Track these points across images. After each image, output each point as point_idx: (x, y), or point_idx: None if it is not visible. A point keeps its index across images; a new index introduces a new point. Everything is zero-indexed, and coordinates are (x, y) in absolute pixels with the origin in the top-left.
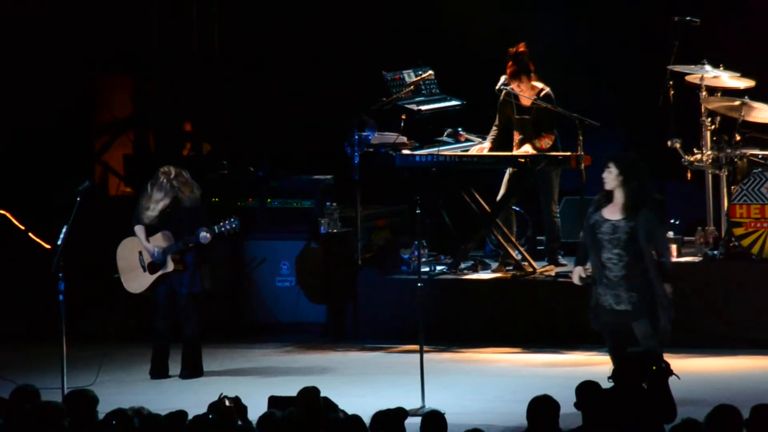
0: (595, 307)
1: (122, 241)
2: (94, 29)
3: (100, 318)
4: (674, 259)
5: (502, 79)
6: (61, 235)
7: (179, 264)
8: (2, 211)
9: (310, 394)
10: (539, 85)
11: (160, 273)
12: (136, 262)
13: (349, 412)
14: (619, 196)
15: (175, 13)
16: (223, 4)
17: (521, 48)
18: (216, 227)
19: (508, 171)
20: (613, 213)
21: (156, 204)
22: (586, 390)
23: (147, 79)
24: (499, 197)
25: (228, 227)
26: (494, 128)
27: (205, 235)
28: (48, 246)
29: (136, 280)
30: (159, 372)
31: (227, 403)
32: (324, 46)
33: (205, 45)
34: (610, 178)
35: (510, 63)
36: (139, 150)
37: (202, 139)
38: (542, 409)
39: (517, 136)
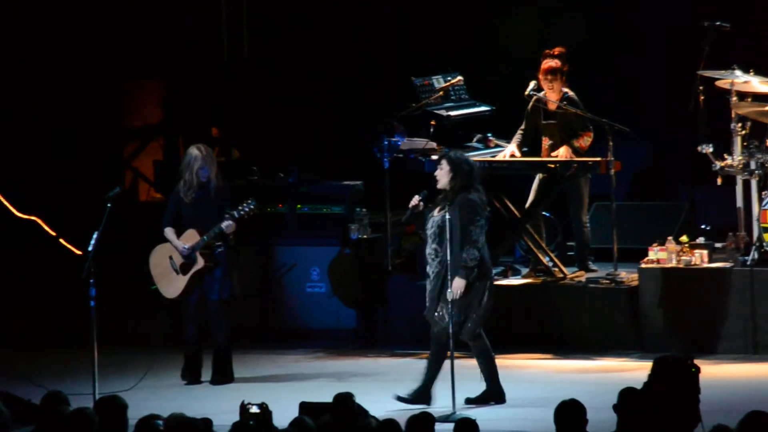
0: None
1: (152, 251)
2: (124, 36)
3: (131, 324)
4: (705, 265)
5: (532, 84)
6: (92, 241)
7: (210, 260)
8: (33, 217)
9: (344, 399)
10: (565, 89)
11: (192, 271)
12: (168, 268)
13: (380, 418)
14: (449, 192)
15: (205, 19)
16: (252, 10)
17: (556, 50)
18: (235, 212)
19: (538, 176)
20: (438, 209)
21: (194, 172)
22: (629, 396)
23: (177, 85)
24: (528, 203)
25: (246, 209)
26: (519, 132)
27: (228, 224)
28: (79, 252)
29: (172, 285)
30: (191, 378)
31: (251, 409)
32: (353, 52)
33: (234, 51)
34: (442, 174)
35: (547, 60)
36: (169, 156)
37: (232, 145)
38: (569, 413)
39: (546, 142)
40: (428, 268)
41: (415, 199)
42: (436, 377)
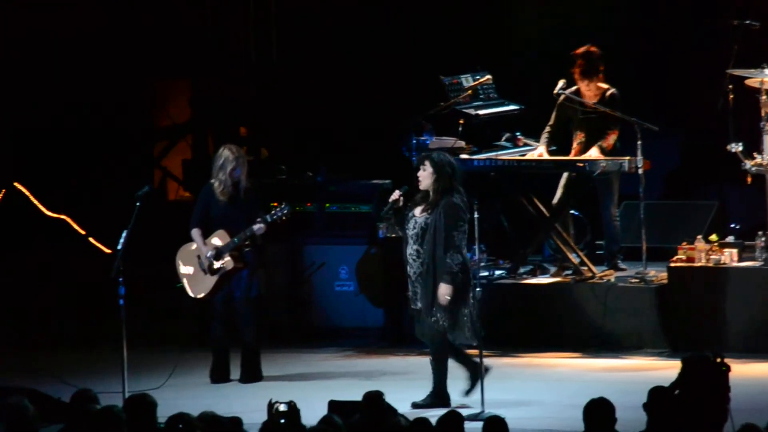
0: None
1: (180, 248)
2: (153, 35)
3: (160, 322)
4: (735, 264)
5: (561, 83)
6: (121, 240)
7: (238, 261)
8: (63, 216)
9: (374, 398)
10: (605, 85)
11: (220, 272)
12: (196, 267)
13: (409, 417)
14: (431, 194)
15: (233, 18)
16: (281, 9)
17: (592, 48)
18: (268, 216)
19: (565, 174)
20: (420, 210)
21: (227, 173)
22: (659, 395)
23: (205, 84)
24: (555, 200)
25: (279, 214)
26: (547, 132)
27: (260, 227)
28: (108, 250)
29: (199, 285)
30: (219, 376)
31: (278, 408)
32: (382, 51)
33: (262, 49)
34: (425, 175)
35: (580, 62)
36: (198, 155)
37: (260, 145)
38: (598, 412)
39: (579, 137)
40: (408, 269)
41: (396, 194)
42: (446, 377)
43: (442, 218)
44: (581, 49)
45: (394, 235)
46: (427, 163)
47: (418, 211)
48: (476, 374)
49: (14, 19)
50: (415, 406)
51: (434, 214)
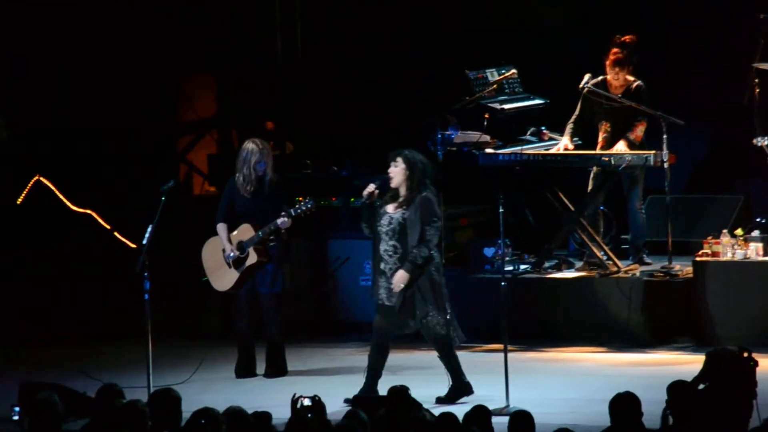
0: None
1: (206, 242)
2: (179, 30)
3: (185, 317)
4: (760, 258)
5: (586, 77)
6: (146, 235)
7: (262, 255)
8: (88, 211)
9: (399, 393)
10: (631, 78)
11: (245, 266)
12: (220, 260)
13: (435, 411)
14: (402, 191)
15: (258, 12)
16: (306, 4)
17: (630, 38)
18: (293, 210)
19: (593, 169)
20: (394, 206)
21: (251, 166)
22: (679, 390)
23: (230, 79)
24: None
25: (304, 208)
26: (571, 125)
27: (284, 221)
28: (133, 245)
29: (224, 278)
30: (245, 371)
31: (303, 402)
32: (407, 45)
33: (287, 44)
34: (397, 172)
35: (616, 50)
36: (223, 149)
37: (286, 139)
38: (624, 406)
39: (605, 126)
40: (383, 265)
41: (371, 187)
42: (461, 369)
43: (418, 213)
44: (618, 38)
45: None
46: (399, 159)
47: (391, 207)
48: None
49: (40, 14)
50: (439, 401)
51: (410, 209)
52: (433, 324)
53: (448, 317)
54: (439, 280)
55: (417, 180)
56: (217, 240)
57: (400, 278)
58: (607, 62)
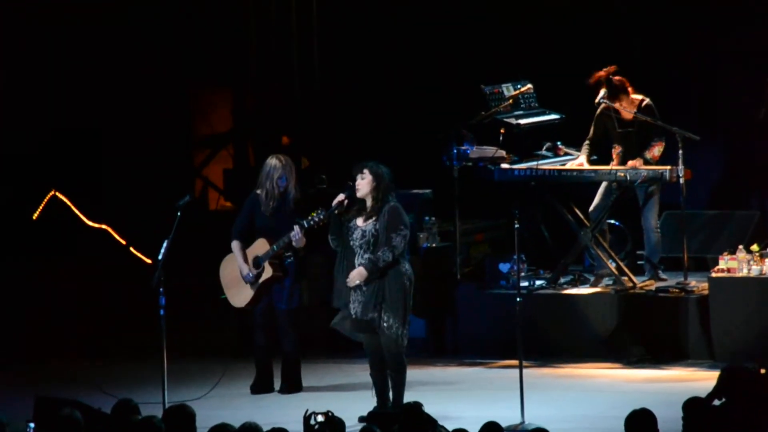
0: (346, 317)
1: (223, 260)
2: (194, 45)
3: (201, 333)
4: None
5: (602, 92)
6: (162, 250)
7: (278, 269)
8: (104, 226)
9: (413, 409)
10: (638, 96)
11: (261, 281)
12: (237, 276)
13: (449, 427)
14: (369, 202)
15: (275, 28)
16: (323, 19)
17: (611, 69)
18: (305, 221)
19: (605, 184)
20: (363, 219)
21: (273, 182)
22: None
23: (246, 94)
24: (591, 207)
25: (316, 219)
26: (587, 143)
27: (296, 232)
28: (149, 260)
29: (240, 294)
30: (260, 387)
31: (317, 418)
32: (423, 60)
33: (304, 60)
34: (364, 183)
35: (604, 87)
36: (239, 164)
37: (301, 154)
38: (640, 422)
39: (617, 149)
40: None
41: (341, 197)
42: (403, 391)
43: (386, 222)
44: (601, 73)
45: (434, 245)
46: (365, 171)
47: (360, 221)
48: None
49: (56, 29)
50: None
51: (380, 220)
52: (394, 335)
53: (406, 330)
54: (409, 293)
55: (383, 191)
56: (233, 257)
57: (357, 274)
58: (604, 98)
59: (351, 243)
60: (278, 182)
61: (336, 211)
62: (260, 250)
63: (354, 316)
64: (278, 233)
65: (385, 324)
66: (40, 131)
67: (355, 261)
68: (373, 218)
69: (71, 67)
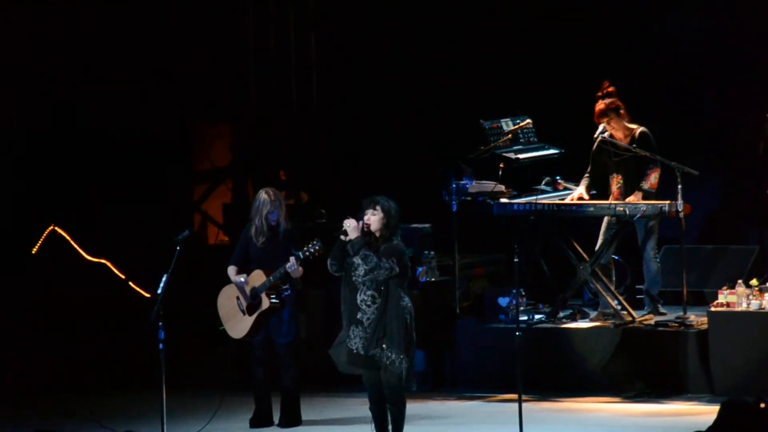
0: (344, 350)
1: (221, 292)
2: (194, 79)
3: (199, 366)
4: None
5: (601, 127)
6: (161, 284)
7: (275, 301)
8: (102, 260)
9: None
10: (633, 126)
11: (258, 312)
12: (235, 308)
13: None
14: (375, 238)
15: (274, 63)
16: (321, 53)
17: (607, 88)
18: (300, 253)
19: (606, 219)
20: (368, 255)
21: (263, 216)
22: None
23: (246, 128)
24: (598, 245)
25: (312, 249)
26: (586, 176)
27: (292, 263)
28: (148, 295)
29: (238, 326)
30: (260, 421)
31: None
32: (421, 95)
33: (302, 94)
34: (375, 219)
35: (597, 103)
36: (238, 199)
37: (300, 188)
38: None
39: (617, 179)
40: (359, 314)
41: (355, 223)
42: (403, 424)
43: (382, 251)
44: (599, 93)
45: (434, 279)
46: (378, 207)
47: (365, 256)
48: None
49: (54, 59)
50: None
51: (379, 256)
52: (397, 371)
53: (408, 365)
54: (411, 327)
55: (392, 229)
56: (231, 288)
57: (351, 224)
58: (595, 118)
59: (354, 279)
60: (269, 216)
61: (345, 237)
62: (257, 282)
63: (355, 352)
64: (272, 264)
65: (387, 361)
66: (37, 162)
67: (357, 297)
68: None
69: (69, 99)
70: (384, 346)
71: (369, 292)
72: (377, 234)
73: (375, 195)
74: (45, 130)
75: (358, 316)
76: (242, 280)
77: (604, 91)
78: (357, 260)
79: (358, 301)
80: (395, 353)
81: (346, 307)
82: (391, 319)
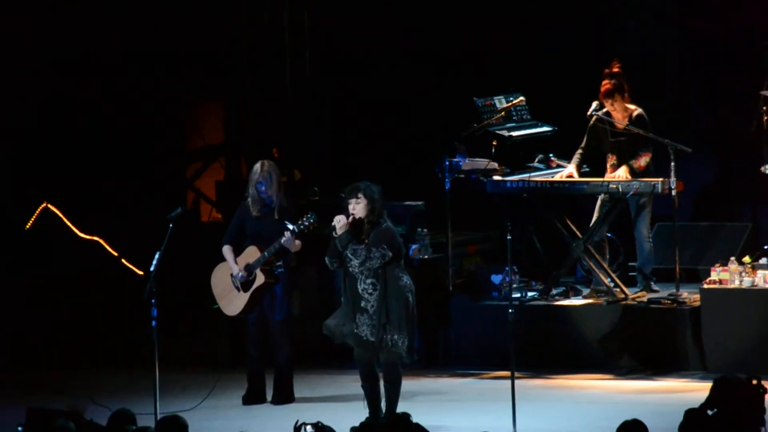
0: (348, 333)
1: (214, 269)
2: (187, 57)
3: (192, 344)
4: None
5: (594, 104)
6: (154, 262)
7: (270, 276)
8: (95, 238)
9: (402, 420)
10: (632, 106)
11: (252, 289)
12: (229, 285)
13: None
14: (364, 225)
15: (267, 40)
16: (315, 31)
17: (615, 67)
18: (294, 226)
19: (601, 197)
20: (361, 244)
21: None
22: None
23: (239, 106)
24: (592, 223)
25: (306, 223)
26: (579, 153)
27: (288, 239)
28: (141, 272)
29: (233, 303)
30: (253, 398)
31: (307, 429)
32: (415, 73)
33: (296, 72)
34: (360, 207)
35: (605, 82)
36: (231, 177)
37: (293, 166)
38: None
39: (612, 159)
40: (363, 303)
41: (344, 219)
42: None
43: (372, 239)
44: (606, 70)
45: (427, 257)
46: (360, 195)
47: (357, 245)
48: (379, 407)
49: (49, 40)
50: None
51: (370, 239)
52: (398, 352)
53: (409, 340)
54: (413, 305)
55: (377, 213)
56: (224, 266)
57: (342, 223)
58: (600, 96)
59: (351, 270)
60: (257, 186)
61: (336, 234)
62: (251, 258)
63: (365, 339)
64: (267, 240)
65: (391, 343)
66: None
67: (358, 286)
68: (366, 241)
69: (63, 78)
70: (387, 329)
71: (369, 281)
72: (365, 220)
73: (354, 183)
74: (39, 110)
75: (362, 305)
76: (241, 275)
77: (612, 70)
78: (348, 254)
79: (360, 290)
80: (398, 335)
81: (347, 297)
82: (391, 303)
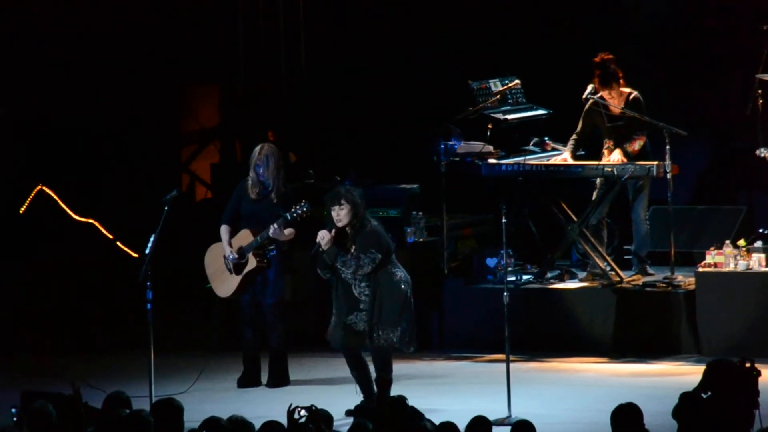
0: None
1: (208, 250)
2: (183, 40)
3: (187, 326)
4: (762, 269)
5: (589, 87)
6: (149, 244)
7: (262, 260)
8: (90, 220)
9: (398, 402)
10: (627, 89)
11: (245, 272)
12: (222, 266)
13: (436, 421)
14: (348, 230)
15: (262, 23)
16: (310, 15)
17: (607, 56)
18: (287, 214)
19: (599, 180)
20: (347, 253)
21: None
22: (689, 400)
23: (234, 89)
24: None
25: (299, 211)
26: (574, 136)
27: (276, 229)
28: (136, 255)
29: (225, 284)
30: (248, 381)
31: (300, 413)
32: (410, 55)
33: (291, 55)
34: (343, 214)
35: (597, 72)
36: (226, 159)
37: (288, 149)
38: (626, 417)
39: (608, 143)
40: (362, 305)
41: (327, 234)
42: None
43: (359, 245)
44: (596, 59)
45: (422, 240)
46: (343, 201)
47: (346, 252)
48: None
49: (46, 21)
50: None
51: (356, 244)
52: (387, 345)
53: (402, 330)
54: (408, 297)
55: (360, 217)
56: (218, 247)
57: (327, 238)
58: (596, 86)
59: (344, 276)
60: (255, 169)
61: (320, 249)
62: (244, 241)
63: (355, 329)
64: (261, 223)
65: (383, 339)
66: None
67: (353, 291)
68: (353, 248)
69: (59, 61)
70: (379, 327)
71: (363, 284)
72: (348, 226)
73: (331, 190)
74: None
75: (361, 307)
76: (233, 257)
77: (604, 59)
78: (338, 266)
79: (356, 294)
80: (391, 331)
81: (339, 302)
82: (384, 302)
